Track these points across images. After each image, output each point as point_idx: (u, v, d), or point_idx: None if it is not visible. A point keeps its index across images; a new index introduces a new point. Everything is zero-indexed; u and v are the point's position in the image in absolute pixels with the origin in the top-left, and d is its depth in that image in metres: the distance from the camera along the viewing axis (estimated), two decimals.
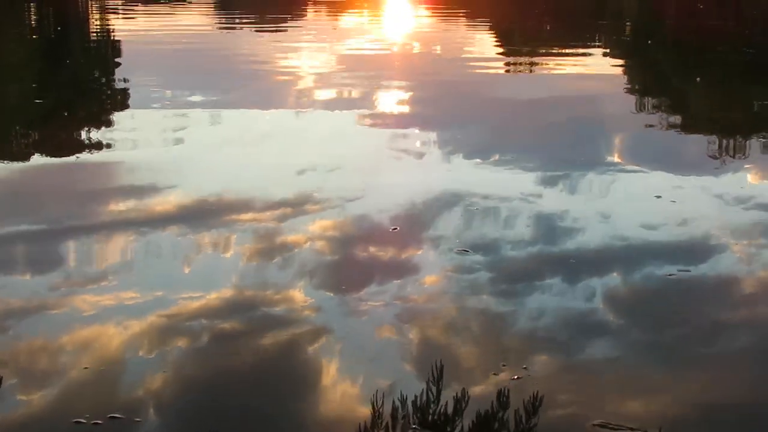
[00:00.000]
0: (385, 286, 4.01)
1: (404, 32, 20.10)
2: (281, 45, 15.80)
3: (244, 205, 5.24)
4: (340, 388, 3.11)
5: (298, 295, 3.89)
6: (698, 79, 11.54)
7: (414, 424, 2.81)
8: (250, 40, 16.84)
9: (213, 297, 3.85)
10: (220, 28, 19.79)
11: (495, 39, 18.82)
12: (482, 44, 17.35)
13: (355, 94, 10.08)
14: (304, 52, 14.88)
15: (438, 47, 16.72)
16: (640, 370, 3.24)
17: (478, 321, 3.65)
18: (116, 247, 4.55)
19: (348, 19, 22.73)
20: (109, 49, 15.29)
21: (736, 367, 3.30)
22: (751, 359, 3.38)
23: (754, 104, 10.02)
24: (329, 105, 9.17)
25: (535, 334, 3.52)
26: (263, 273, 4.16)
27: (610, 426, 2.79)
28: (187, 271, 4.23)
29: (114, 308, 3.71)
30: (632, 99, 10.43)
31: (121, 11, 23.28)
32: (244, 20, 21.22)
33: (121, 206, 5.22)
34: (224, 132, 7.74)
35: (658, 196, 5.42)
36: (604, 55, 15.18)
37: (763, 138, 7.63)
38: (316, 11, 24.39)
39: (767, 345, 3.51)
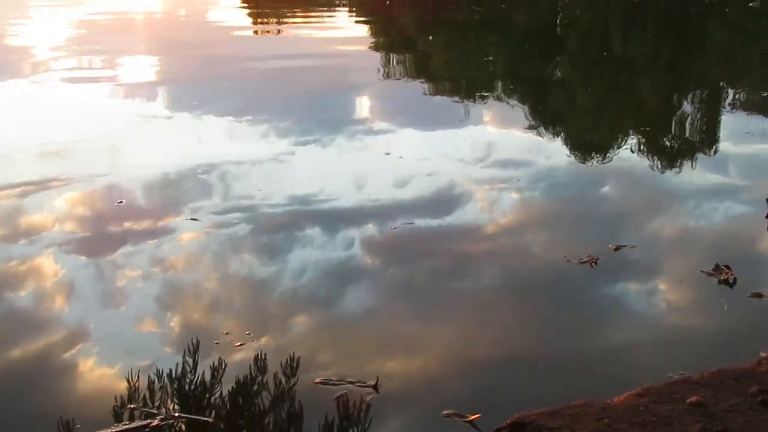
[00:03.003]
0: (107, 257, 3.95)
1: None
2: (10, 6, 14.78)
3: None
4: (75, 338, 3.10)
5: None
6: (431, 37, 12.24)
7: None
8: None
9: None
10: None
11: (241, 1, 18.74)
12: (228, 8, 17.22)
13: (96, 63, 9.72)
14: (36, 18, 14.03)
15: (182, 11, 16.40)
16: (362, 327, 3.34)
17: (206, 288, 3.65)
18: None
19: None
20: None
21: (457, 317, 3.45)
22: (476, 306, 3.52)
23: (483, 60, 10.80)
24: (67, 76, 8.77)
25: (265, 297, 3.59)
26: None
27: (331, 383, 2.85)
28: None
29: None
30: (375, 56, 10.90)
31: None
32: None
33: None
34: None
35: (388, 153, 5.77)
36: (349, 15, 15.63)
37: (488, 93, 8.28)
38: None
39: (491, 293, 3.78)
